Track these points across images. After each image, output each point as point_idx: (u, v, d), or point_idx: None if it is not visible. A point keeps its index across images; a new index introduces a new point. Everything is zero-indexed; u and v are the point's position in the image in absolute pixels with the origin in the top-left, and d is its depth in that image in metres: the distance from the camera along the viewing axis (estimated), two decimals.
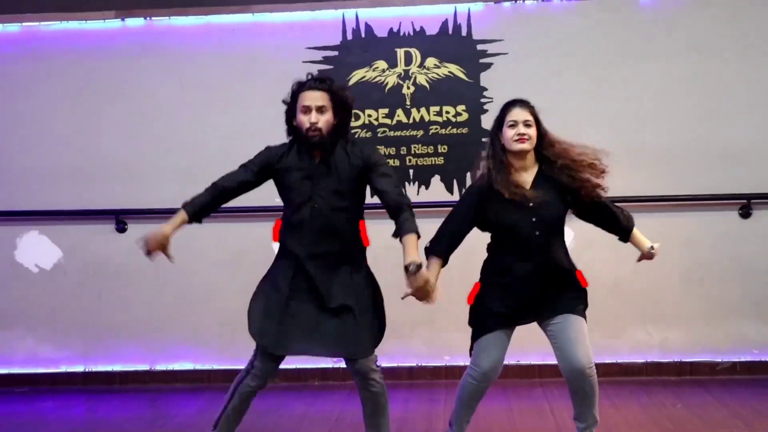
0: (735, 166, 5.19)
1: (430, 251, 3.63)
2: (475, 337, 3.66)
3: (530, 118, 3.59)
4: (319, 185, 3.48)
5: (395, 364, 5.38)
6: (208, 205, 3.60)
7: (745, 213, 5.21)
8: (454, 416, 3.80)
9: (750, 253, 5.22)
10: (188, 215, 3.52)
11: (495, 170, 3.58)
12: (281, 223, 3.63)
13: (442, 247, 3.63)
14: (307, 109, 3.45)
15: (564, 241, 3.72)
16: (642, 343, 5.30)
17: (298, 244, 3.52)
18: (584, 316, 3.66)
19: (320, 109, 3.45)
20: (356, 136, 5.31)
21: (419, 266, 3.27)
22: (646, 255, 3.79)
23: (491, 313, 3.62)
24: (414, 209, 5.41)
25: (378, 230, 5.43)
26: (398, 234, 3.42)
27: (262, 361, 3.51)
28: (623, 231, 3.77)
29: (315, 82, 3.49)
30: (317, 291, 3.50)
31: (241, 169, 3.60)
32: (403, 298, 3.39)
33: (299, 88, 3.51)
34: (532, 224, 3.53)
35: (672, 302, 5.28)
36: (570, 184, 3.56)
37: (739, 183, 5.19)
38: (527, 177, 3.61)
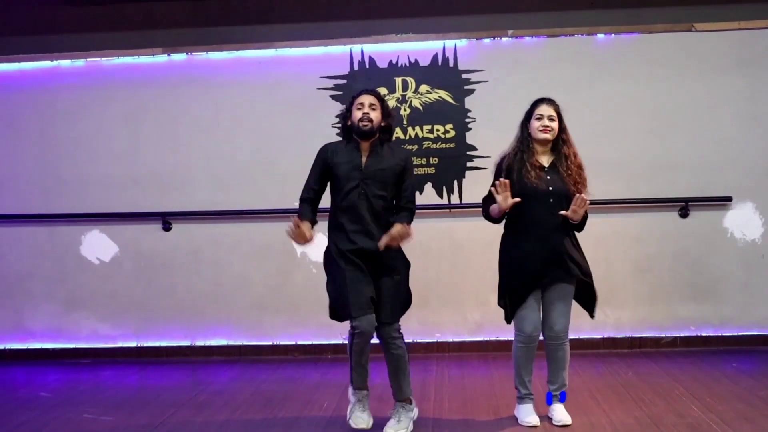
0: (675, 174, 5.24)
1: (487, 201, 3.71)
2: (512, 310, 3.72)
3: (554, 114, 3.69)
4: (367, 175, 3.62)
5: None
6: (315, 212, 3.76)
7: (684, 213, 5.25)
8: (516, 380, 3.84)
9: (688, 246, 5.27)
10: (311, 223, 3.69)
11: (522, 150, 3.69)
12: (331, 211, 3.75)
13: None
14: (362, 105, 3.66)
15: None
16: (600, 321, 5.25)
17: (348, 223, 3.64)
18: (573, 292, 3.73)
19: (372, 107, 3.66)
20: None
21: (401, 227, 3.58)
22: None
23: (517, 285, 3.68)
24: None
25: None
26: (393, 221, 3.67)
27: (354, 322, 3.57)
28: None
29: (369, 90, 3.77)
30: (364, 263, 3.61)
31: (310, 180, 3.74)
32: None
33: (357, 94, 3.73)
34: (547, 191, 3.62)
35: (624, 287, 5.31)
36: (569, 181, 3.65)
37: (678, 188, 5.23)
38: (545, 160, 3.71)
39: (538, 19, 5.40)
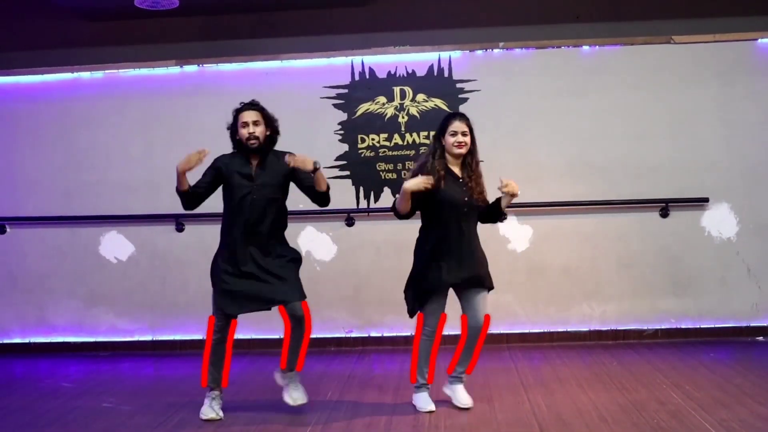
0: (656, 176, 5.25)
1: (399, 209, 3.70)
2: (420, 305, 3.78)
3: (467, 129, 3.68)
4: (256, 182, 3.71)
5: (395, 333, 5.41)
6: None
7: (664, 213, 5.26)
8: (417, 370, 3.87)
9: (668, 244, 5.28)
10: (189, 187, 3.76)
11: (438, 163, 3.68)
12: (224, 217, 3.84)
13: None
14: (245, 124, 3.72)
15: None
16: (586, 315, 5.34)
17: (237, 229, 3.73)
18: (489, 289, 3.80)
19: (255, 123, 3.71)
20: (361, 155, 5.36)
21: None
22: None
23: (430, 288, 3.72)
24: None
25: (378, 228, 5.56)
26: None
27: (219, 319, 3.74)
28: (496, 215, 3.83)
29: (248, 105, 3.79)
30: (253, 263, 3.70)
31: (202, 178, 3.80)
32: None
33: (238, 111, 3.78)
34: (463, 200, 3.67)
35: (609, 283, 5.31)
36: (473, 191, 3.69)
37: (659, 190, 5.24)
38: (458, 171, 3.75)
39: (528, 32, 5.42)
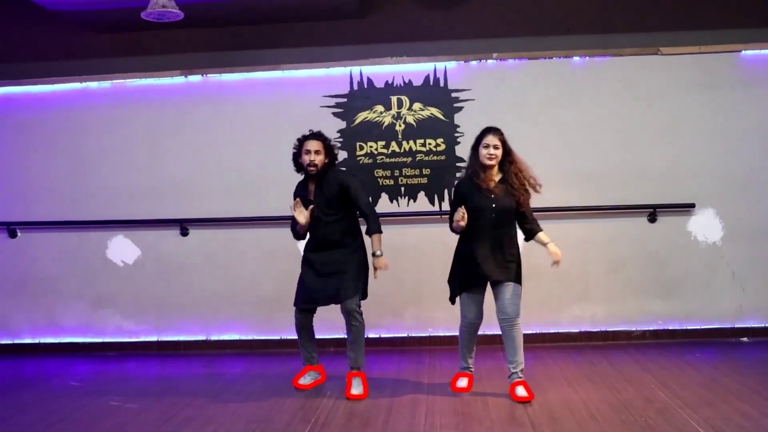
0: (644, 183, 5.25)
1: (450, 217, 4.04)
2: (454, 295, 4.19)
3: (498, 142, 3.98)
4: (317, 203, 4.19)
5: (391, 335, 5.42)
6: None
7: (652, 218, 5.27)
8: (460, 354, 4.30)
9: (655, 248, 5.29)
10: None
11: (474, 174, 3.99)
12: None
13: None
14: (308, 152, 4.12)
15: (514, 230, 4.09)
16: (577, 317, 5.35)
17: (309, 240, 4.35)
18: (520, 283, 4.07)
19: (317, 152, 4.12)
20: (360, 162, 5.38)
21: (380, 253, 4.14)
22: (551, 253, 4.06)
23: (466, 278, 4.04)
24: (403, 217, 5.64)
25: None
26: (368, 233, 4.19)
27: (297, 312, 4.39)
28: (526, 232, 4.12)
29: (313, 135, 4.24)
30: (317, 267, 4.25)
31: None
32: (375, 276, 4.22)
33: (304, 138, 4.22)
34: (492, 209, 3.95)
35: (599, 286, 5.32)
36: (517, 192, 3.97)
37: (647, 196, 5.24)
38: (496, 177, 4.02)
39: (520, 43, 5.46)
